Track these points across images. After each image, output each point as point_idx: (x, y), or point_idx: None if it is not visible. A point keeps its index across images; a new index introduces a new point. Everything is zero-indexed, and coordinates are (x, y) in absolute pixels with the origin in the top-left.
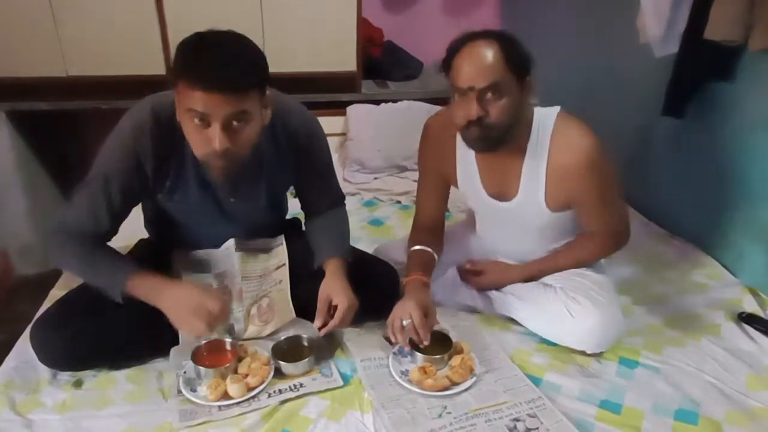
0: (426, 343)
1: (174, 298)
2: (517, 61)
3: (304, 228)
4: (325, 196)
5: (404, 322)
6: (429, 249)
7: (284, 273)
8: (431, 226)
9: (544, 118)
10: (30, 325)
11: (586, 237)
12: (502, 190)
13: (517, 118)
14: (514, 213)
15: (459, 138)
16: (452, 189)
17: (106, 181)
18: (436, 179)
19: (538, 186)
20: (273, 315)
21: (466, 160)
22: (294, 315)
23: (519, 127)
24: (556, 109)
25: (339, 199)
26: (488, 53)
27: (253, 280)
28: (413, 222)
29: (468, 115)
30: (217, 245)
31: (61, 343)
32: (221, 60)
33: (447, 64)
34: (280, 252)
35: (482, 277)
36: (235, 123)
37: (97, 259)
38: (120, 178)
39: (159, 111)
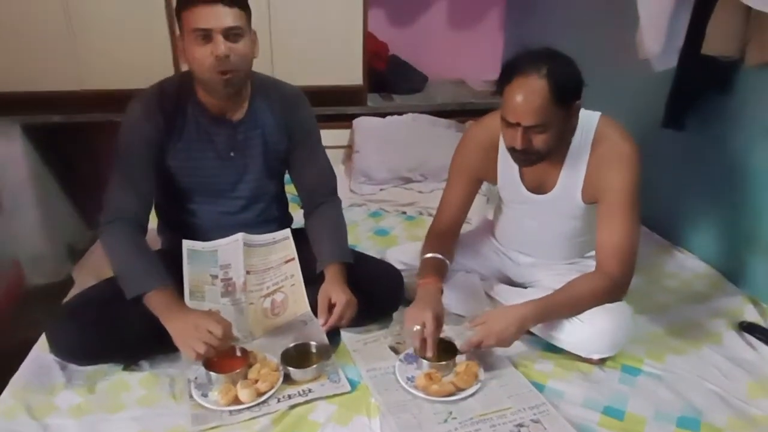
0: (429, 355)
1: (180, 323)
2: (566, 93)
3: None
4: (318, 176)
5: (415, 328)
6: (442, 257)
7: (295, 267)
8: (448, 232)
9: (588, 121)
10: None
11: (585, 276)
12: (540, 184)
13: (561, 140)
14: (549, 205)
15: (501, 141)
16: None
17: (129, 155)
18: (469, 180)
19: (577, 181)
20: (285, 309)
21: (507, 160)
22: (308, 308)
23: (564, 139)
24: (598, 113)
25: (332, 187)
26: (537, 92)
27: (258, 273)
28: (431, 226)
29: (513, 145)
30: (222, 227)
31: (74, 333)
32: None
33: (500, 87)
34: (287, 246)
35: (487, 327)
36: (232, 36)
37: (136, 256)
38: (139, 146)
39: (162, 83)
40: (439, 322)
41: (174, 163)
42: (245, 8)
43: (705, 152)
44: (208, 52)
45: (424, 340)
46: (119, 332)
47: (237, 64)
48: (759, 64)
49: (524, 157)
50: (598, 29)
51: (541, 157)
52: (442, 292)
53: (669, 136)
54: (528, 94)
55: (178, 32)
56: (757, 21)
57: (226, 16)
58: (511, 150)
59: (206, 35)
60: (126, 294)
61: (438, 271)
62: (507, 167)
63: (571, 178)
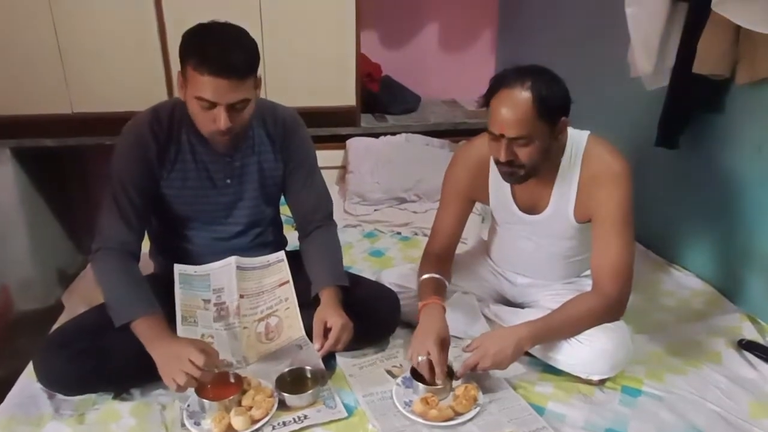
0: (439, 381)
1: (164, 353)
2: (550, 109)
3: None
4: (314, 200)
5: (420, 359)
6: (440, 277)
7: (289, 290)
8: (443, 253)
9: (577, 140)
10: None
11: (581, 296)
12: (533, 204)
13: (547, 156)
14: (543, 225)
15: (492, 161)
16: None
17: (122, 183)
18: (461, 201)
19: (569, 200)
20: (279, 333)
21: (499, 181)
22: (303, 332)
23: (551, 155)
24: (587, 132)
25: (328, 211)
26: (521, 104)
27: (252, 297)
28: (425, 249)
29: (498, 156)
30: (217, 252)
31: (63, 362)
32: (226, 48)
33: (486, 100)
34: (282, 268)
35: (482, 350)
36: (238, 107)
37: (125, 284)
38: (132, 174)
39: (157, 108)
40: (445, 347)
41: (168, 191)
42: (256, 70)
43: (698, 170)
44: (210, 119)
45: (431, 369)
46: (109, 361)
47: (239, 127)
48: (749, 82)
49: (510, 170)
50: (589, 49)
51: (527, 173)
52: (444, 310)
53: (662, 154)
54: (511, 106)
55: (179, 68)
56: (746, 40)
57: (234, 91)
58: (497, 163)
59: (211, 105)
60: (114, 322)
61: (438, 291)
62: (499, 187)
63: (563, 197)
